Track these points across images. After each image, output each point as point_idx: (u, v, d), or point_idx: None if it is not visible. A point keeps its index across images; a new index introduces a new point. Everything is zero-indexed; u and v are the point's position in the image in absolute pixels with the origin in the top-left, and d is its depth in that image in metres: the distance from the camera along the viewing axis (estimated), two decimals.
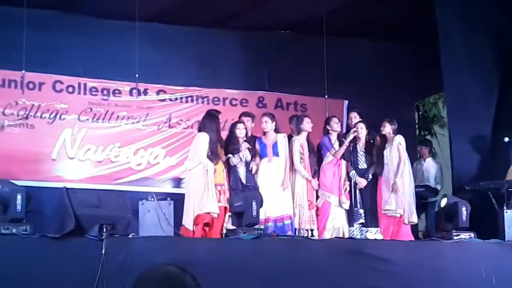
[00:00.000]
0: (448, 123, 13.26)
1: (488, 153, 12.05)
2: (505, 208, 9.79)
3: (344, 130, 11.64)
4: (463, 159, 12.16)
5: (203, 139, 9.82)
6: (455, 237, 9.42)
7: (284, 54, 13.27)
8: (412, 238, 10.43)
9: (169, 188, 11.99)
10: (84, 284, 7.10)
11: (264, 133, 10.68)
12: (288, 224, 10.23)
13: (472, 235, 9.60)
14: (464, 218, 9.82)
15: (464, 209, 9.87)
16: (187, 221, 9.62)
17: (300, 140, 10.68)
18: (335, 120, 11.01)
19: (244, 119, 10.77)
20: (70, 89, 11.95)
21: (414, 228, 11.27)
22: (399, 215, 10.41)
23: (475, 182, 11.55)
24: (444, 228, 10.13)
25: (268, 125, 10.56)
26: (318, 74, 12.60)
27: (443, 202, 10.51)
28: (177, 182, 12.11)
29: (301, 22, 13.04)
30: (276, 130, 10.63)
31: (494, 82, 12.28)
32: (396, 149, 10.60)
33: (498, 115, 12.16)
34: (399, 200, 10.42)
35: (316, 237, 10.21)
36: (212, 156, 9.79)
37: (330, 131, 10.92)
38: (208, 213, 9.61)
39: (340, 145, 10.79)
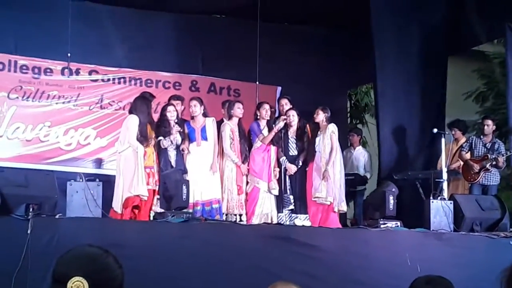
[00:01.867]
0: (375, 111, 13.42)
1: (415, 143, 12.25)
2: (431, 198, 9.94)
3: (276, 116, 11.67)
4: (390, 148, 12.34)
5: (133, 121, 9.77)
6: (381, 226, 9.52)
7: (219, 39, 13.25)
8: (340, 226, 10.51)
9: (98, 170, 11.90)
10: (9, 264, 7.00)
11: (193, 117, 10.64)
12: (216, 208, 10.24)
13: (399, 223, 9.72)
14: (391, 207, 9.94)
15: (391, 198, 9.99)
16: (116, 204, 9.57)
17: (230, 125, 10.69)
18: (264, 106, 11.01)
19: (174, 102, 10.73)
20: (0, 66, 11.75)
21: (343, 216, 11.38)
22: (328, 203, 10.49)
23: (403, 172, 11.74)
24: (372, 216, 10.25)
25: (197, 109, 10.52)
26: (252, 60, 12.60)
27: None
28: (99, 163, 12.05)
29: (237, 7, 13.06)
30: (205, 114, 10.60)
31: (422, 73, 12.50)
32: (329, 138, 10.66)
33: (425, 106, 12.39)
34: (329, 188, 10.49)
35: (244, 222, 10.25)
36: (142, 138, 9.74)
37: (259, 117, 10.95)
38: (137, 195, 9.58)
39: (270, 131, 10.82)
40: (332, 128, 10.73)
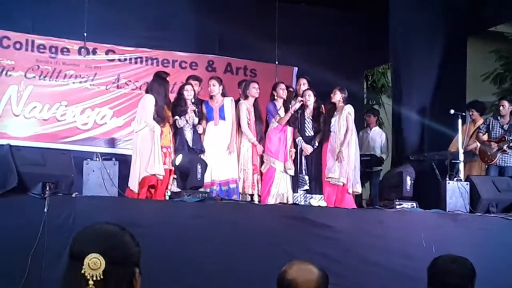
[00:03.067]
0: (392, 92, 13.39)
1: (431, 124, 12.21)
2: (447, 179, 9.91)
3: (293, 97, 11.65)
4: (406, 129, 12.31)
5: (150, 101, 9.77)
6: (397, 206, 9.50)
7: (236, 19, 13.19)
8: (355, 207, 10.50)
9: (114, 149, 11.93)
10: (26, 242, 7.03)
11: (211, 97, 10.64)
12: (233, 188, 10.25)
13: (414, 204, 9.70)
14: (408, 187, 9.92)
15: (408, 178, 9.97)
16: (133, 183, 9.60)
17: (247, 105, 10.69)
18: (281, 86, 11.02)
19: (192, 82, 10.73)
20: (18, 46, 11.77)
21: (358, 196, 11.37)
22: (341, 184, 10.48)
23: (419, 153, 11.71)
24: (388, 197, 10.22)
25: (215, 88, 10.53)
26: (268, 40, 12.59)
27: None
28: (115, 142, 12.09)
29: None
30: (223, 94, 10.60)
31: (441, 54, 12.43)
32: (345, 119, 10.63)
33: (441, 88, 12.33)
34: (343, 169, 10.48)
35: (256, 202, 10.26)
36: (159, 118, 9.75)
37: (276, 97, 10.94)
38: (154, 175, 9.61)
39: (286, 111, 10.81)
40: (349, 109, 10.70)
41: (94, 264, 2.16)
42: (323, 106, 10.98)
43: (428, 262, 3.68)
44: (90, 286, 2.15)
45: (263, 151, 10.69)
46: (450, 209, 9.60)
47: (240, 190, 10.44)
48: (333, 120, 10.72)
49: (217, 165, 10.25)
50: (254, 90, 10.75)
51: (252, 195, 10.56)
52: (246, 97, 10.78)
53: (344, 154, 10.48)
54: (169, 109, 10.14)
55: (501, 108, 11.41)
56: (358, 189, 10.73)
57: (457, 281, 3.51)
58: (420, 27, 12.36)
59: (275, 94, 10.94)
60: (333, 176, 10.49)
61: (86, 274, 2.16)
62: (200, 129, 10.40)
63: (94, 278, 2.15)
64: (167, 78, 10.29)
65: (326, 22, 13.81)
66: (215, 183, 10.20)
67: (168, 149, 9.98)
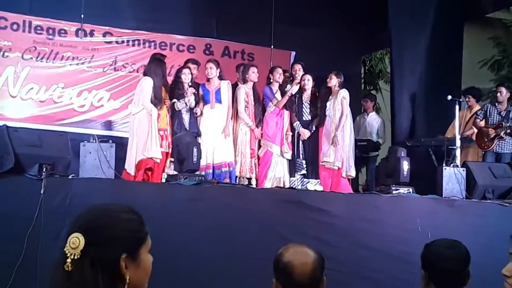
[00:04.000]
0: (391, 78, 13.39)
1: (429, 110, 12.21)
2: (444, 164, 9.92)
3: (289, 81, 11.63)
4: (404, 115, 12.32)
5: (147, 83, 9.76)
6: (393, 192, 9.51)
7: (233, 2, 13.17)
8: (351, 191, 10.51)
9: (111, 132, 11.93)
10: (22, 223, 7.02)
11: (208, 80, 10.63)
12: (225, 172, 10.26)
13: (411, 190, 9.71)
14: (405, 173, 9.93)
15: (405, 164, 9.97)
16: (129, 166, 9.61)
17: (246, 89, 10.67)
18: (278, 70, 11.00)
19: (191, 65, 10.72)
20: (15, 27, 11.75)
21: (354, 181, 11.37)
22: (336, 168, 10.50)
23: (416, 138, 11.71)
24: (384, 182, 10.23)
25: (213, 71, 10.51)
26: (266, 24, 12.58)
27: None
28: (112, 125, 12.09)
29: None
30: (220, 77, 10.59)
31: (438, 40, 12.43)
32: (340, 103, 10.64)
33: (440, 73, 12.33)
34: (338, 153, 10.49)
35: (254, 186, 10.27)
36: (156, 101, 9.74)
37: (272, 81, 10.92)
38: (151, 158, 9.61)
39: (283, 95, 10.80)
40: (343, 93, 10.70)
41: (73, 243, 2.15)
42: (322, 90, 10.96)
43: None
44: (67, 263, 2.14)
45: (261, 135, 10.69)
46: (446, 195, 9.61)
47: (238, 174, 10.45)
48: (328, 104, 10.73)
49: (213, 148, 10.25)
50: (253, 74, 10.73)
51: (250, 179, 10.56)
52: (245, 81, 10.75)
53: (339, 138, 10.49)
54: (167, 91, 10.12)
55: (498, 94, 11.42)
56: (352, 173, 10.73)
57: (452, 266, 3.50)
58: (417, 12, 12.36)
59: (272, 78, 10.91)
60: (328, 160, 10.50)
61: (66, 252, 2.15)
62: (198, 111, 10.40)
63: (72, 257, 2.14)
64: (164, 60, 10.27)
65: (324, 6, 13.76)
66: (210, 166, 10.20)
67: (165, 132, 9.97)
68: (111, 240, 2.21)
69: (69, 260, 2.14)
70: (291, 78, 11.38)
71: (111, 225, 2.24)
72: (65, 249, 2.16)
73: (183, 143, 9.48)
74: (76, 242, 2.15)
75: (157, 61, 10.15)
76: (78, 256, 2.14)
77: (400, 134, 12.25)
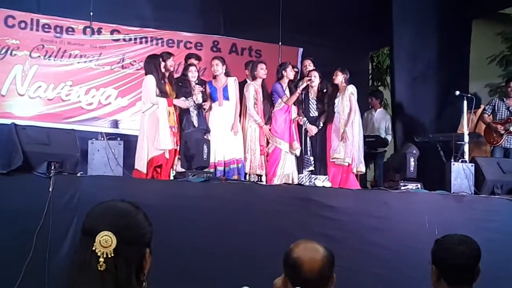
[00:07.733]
0: (391, 74, 13.41)
1: (436, 106, 12.20)
2: (452, 160, 9.90)
3: (298, 78, 11.62)
4: (407, 111, 12.32)
5: (150, 80, 9.81)
6: (402, 187, 9.50)
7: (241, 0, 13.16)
8: (359, 187, 10.50)
9: (118, 129, 11.93)
10: (31, 221, 7.04)
11: (215, 77, 10.63)
12: (234, 169, 10.26)
13: (419, 185, 9.70)
14: (412, 169, 9.92)
15: (412, 159, 9.96)
16: (140, 164, 9.61)
17: (255, 86, 10.66)
18: (290, 67, 10.99)
19: (195, 62, 10.73)
20: (22, 25, 11.75)
21: (363, 177, 11.36)
22: (347, 164, 10.51)
23: (424, 134, 11.70)
24: (392, 178, 10.23)
25: (219, 68, 10.51)
26: (273, 21, 12.55)
27: None
28: (119, 122, 12.10)
29: None
30: (227, 74, 10.59)
31: (443, 37, 12.43)
32: (348, 99, 10.65)
33: (446, 69, 12.32)
34: (347, 149, 10.49)
35: (264, 183, 10.26)
36: (161, 94, 9.77)
37: (285, 77, 10.89)
38: (163, 153, 9.62)
39: (291, 92, 10.79)
40: (351, 89, 10.70)
41: (105, 241, 2.16)
42: (330, 87, 10.94)
43: (432, 243, 3.66)
44: (101, 263, 2.15)
45: (270, 132, 10.68)
46: (454, 190, 9.60)
47: (248, 170, 10.45)
48: (336, 100, 10.73)
49: (222, 145, 10.25)
50: (262, 71, 10.71)
51: (260, 176, 10.55)
52: (254, 78, 10.74)
53: (348, 134, 10.49)
54: (166, 83, 10.10)
55: (509, 89, 11.40)
56: (362, 169, 10.74)
57: (463, 262, 3.49)
58: (421, 9, 12.35)
59: (285, 74, 10.88)
60: (339, 156, 10.50)
61: (97, 251, 2.16)
62: (206, 106, 10.40)
63: (105, 256, 2.16)
64: (158, 55, 10.28)
65: (332, 2, 13.73)
66: (220, 164, 10.20)
67: (173, 129, 9.97)
68: (139, 237, 2.28)
69: (101, 259, 2.16)
70: (300, 75, 11.38)
71: (137, 223, 2.30)
72: (94, 248, 2.17)
73: (192, 140, 9.47)
74: (108, 241, 2.17)
75: (150, 58, 10.20)
76: (112, 255, 2.17)
77: (408, 130, 12.25)
